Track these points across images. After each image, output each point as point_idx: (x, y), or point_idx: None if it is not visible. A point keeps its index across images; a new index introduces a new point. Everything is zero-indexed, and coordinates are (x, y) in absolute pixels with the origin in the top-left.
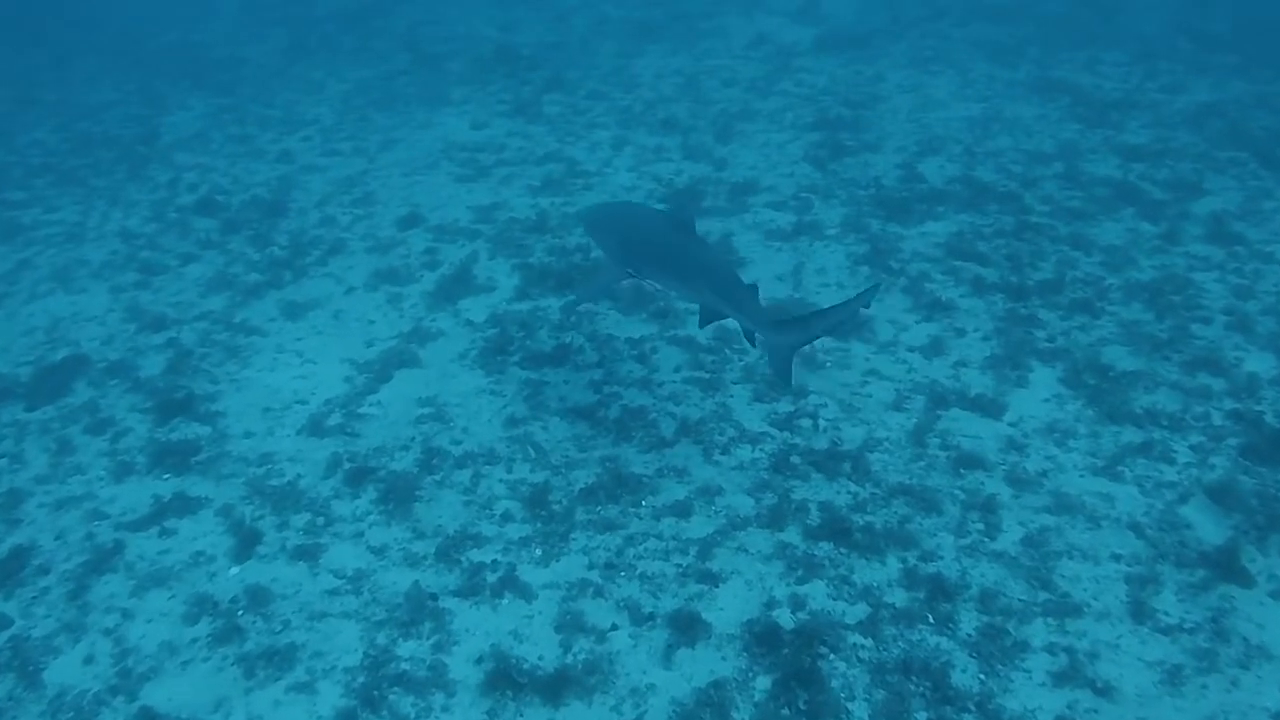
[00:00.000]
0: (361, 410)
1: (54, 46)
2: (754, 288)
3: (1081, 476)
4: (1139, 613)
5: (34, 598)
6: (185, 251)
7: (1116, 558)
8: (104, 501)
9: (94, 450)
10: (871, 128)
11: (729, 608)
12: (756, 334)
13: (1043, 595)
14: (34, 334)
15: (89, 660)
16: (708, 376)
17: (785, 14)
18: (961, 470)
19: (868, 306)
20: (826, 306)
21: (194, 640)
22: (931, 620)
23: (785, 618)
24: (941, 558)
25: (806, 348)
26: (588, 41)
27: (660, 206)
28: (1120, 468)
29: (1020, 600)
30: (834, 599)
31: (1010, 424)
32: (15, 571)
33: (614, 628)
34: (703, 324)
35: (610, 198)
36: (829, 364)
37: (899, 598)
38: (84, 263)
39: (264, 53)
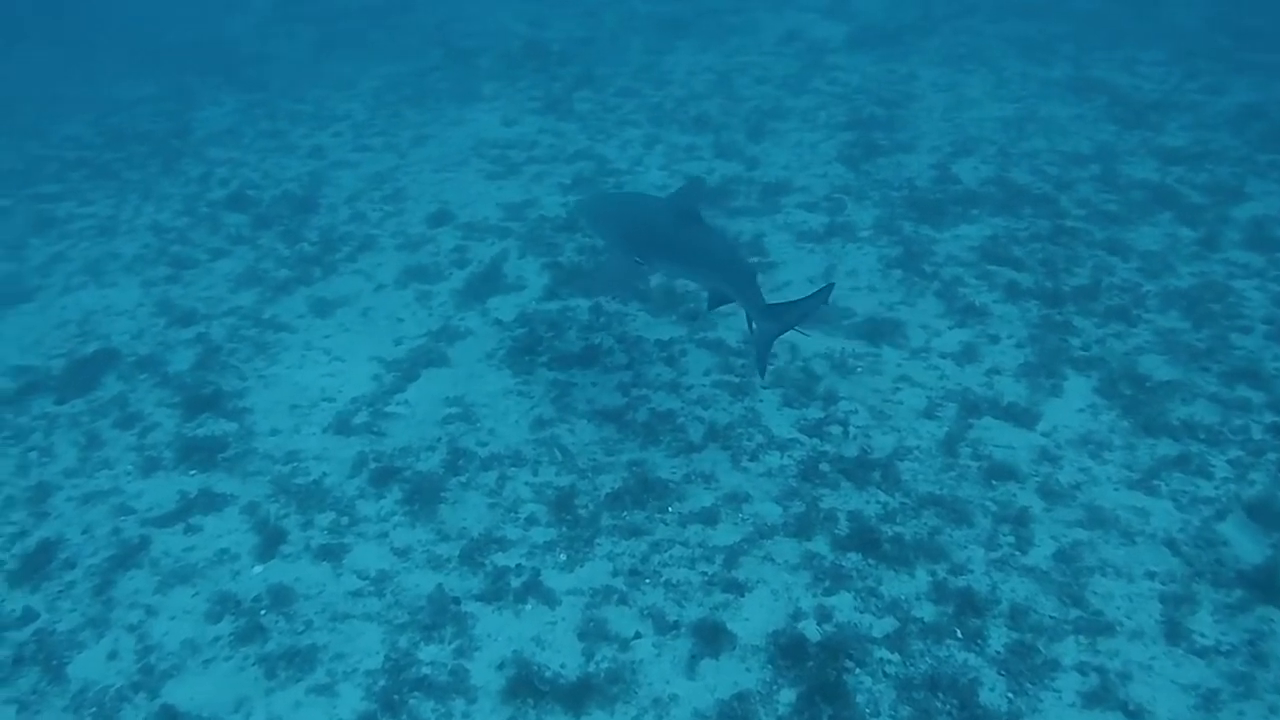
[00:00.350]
0: (389, 409)
1: (84, 42)
2: (754, 273)
3: (1116, 490)
4: (1174, 633)
5: (60, 592)
6: (216, 246)
7: (1151, 575)
8: (131, 496)
9: (122, 445)
10: (905, 127)
11: (754, 618)
12: (751, 319)
13: (1074, 612)
14: (66, 327)
15: (113, 656)
16: (737, 380)
17: (817, 10)
18: (993, 481)
19: (825, 303)
20: (797, 299)
21: (216, 639)
22: (960, 635)
23: (811, 629)
24: (971, 571)
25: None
26: (618, 37)
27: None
28: (1156, 482)
29: (1051, 617)
30: (861, 611)
31: (1043, 434)
32: (42, 565)
33: (638, 636)
34: (711, 308)
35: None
36: (860, 369)
37: (927, 612)
38: (116, 256)
39: (293, 48)
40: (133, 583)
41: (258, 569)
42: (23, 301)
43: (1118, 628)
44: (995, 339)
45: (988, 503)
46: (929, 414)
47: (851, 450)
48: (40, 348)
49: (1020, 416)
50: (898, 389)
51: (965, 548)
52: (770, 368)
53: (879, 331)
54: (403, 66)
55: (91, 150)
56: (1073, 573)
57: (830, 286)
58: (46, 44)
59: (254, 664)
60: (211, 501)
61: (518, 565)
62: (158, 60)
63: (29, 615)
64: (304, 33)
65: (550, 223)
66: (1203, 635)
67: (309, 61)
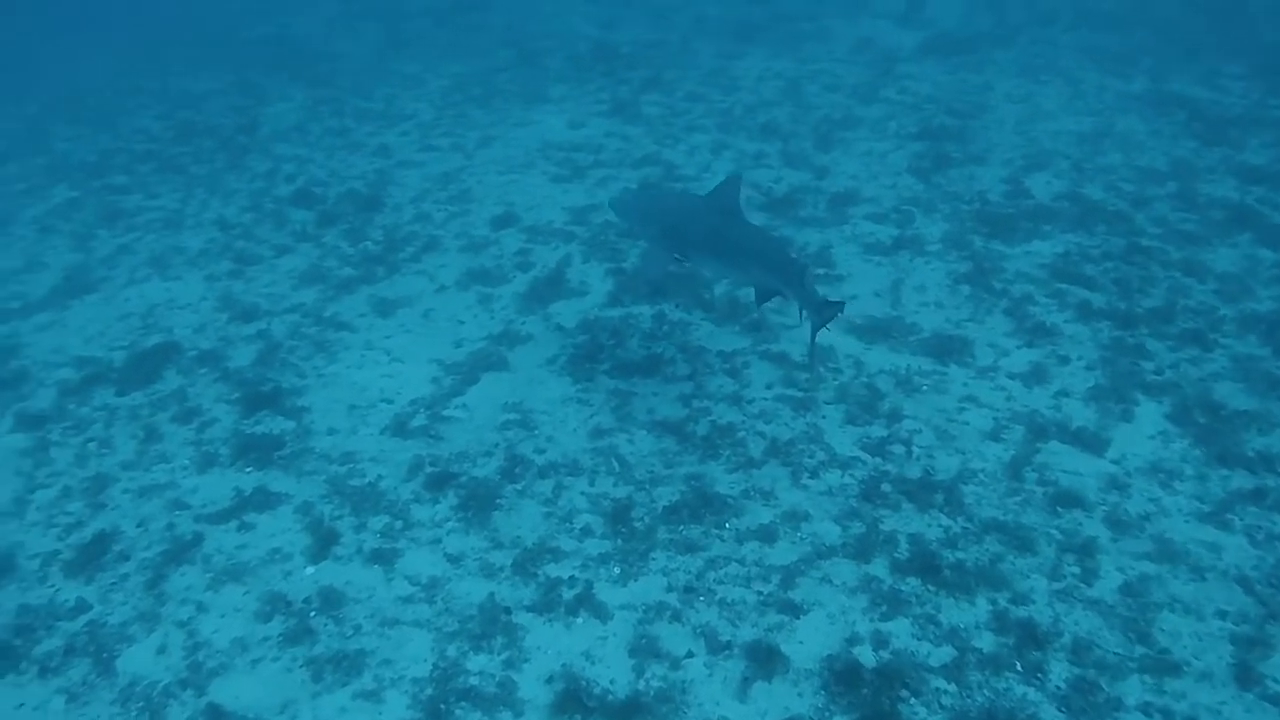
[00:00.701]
0: (447, 413)
1: (157, 36)
2: (805, 266)
3: (1186, 522)
4: (1245, 677)
5: (113, 584)
6: (280, 243)
7: (1222, 614)
8: (186, 492)
9: (180, 439)
10: (977, 139)
11: (809, 641)
12: (804, 309)
13: (1140, 650)
14: (129, 319)
15: (161, 651)
16: (800, 395)
17: (890, 17)
18: (1059, 508)
19: (841, 313)
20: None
21: (265, 639)
22: (1020, 668)
23: (867, 655)
24: (1034, 602)
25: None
26: (688, 41)
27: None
28: (1229, 515)
29: (1115, 653)
30: (919, 639)
31: (1113, 461)
32: (97, 556)
33: (689, 655)
34: (759, 302)
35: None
36: (926, 388)
37: (987, 642)
38: (181, 250)
39: (362, 46)
40: (185, 579)
41: (309, 570)
42: (88, 292)
43: (1185, 668)
44: (1065, 360)
45: (1053, 531)
46: (995, 436)
47: (914, 471)
48: (103, 339)
49: (1089, 442)
50: (963, 409)
51: (1028, 577)
52: (835, 383)
53: (946, 349)
54: (471, 66)
55: (160, 143)
56: (1139, 608)
57: (843, 303)
58: (124, 37)
59: (301, 666)
60: (266, 500)
61: (571, 577)
62: (228, 55)
63: (82, 606)
64: (373, 31)
65: (615, 228)
66: (1276, 681)
67: (377, 59)
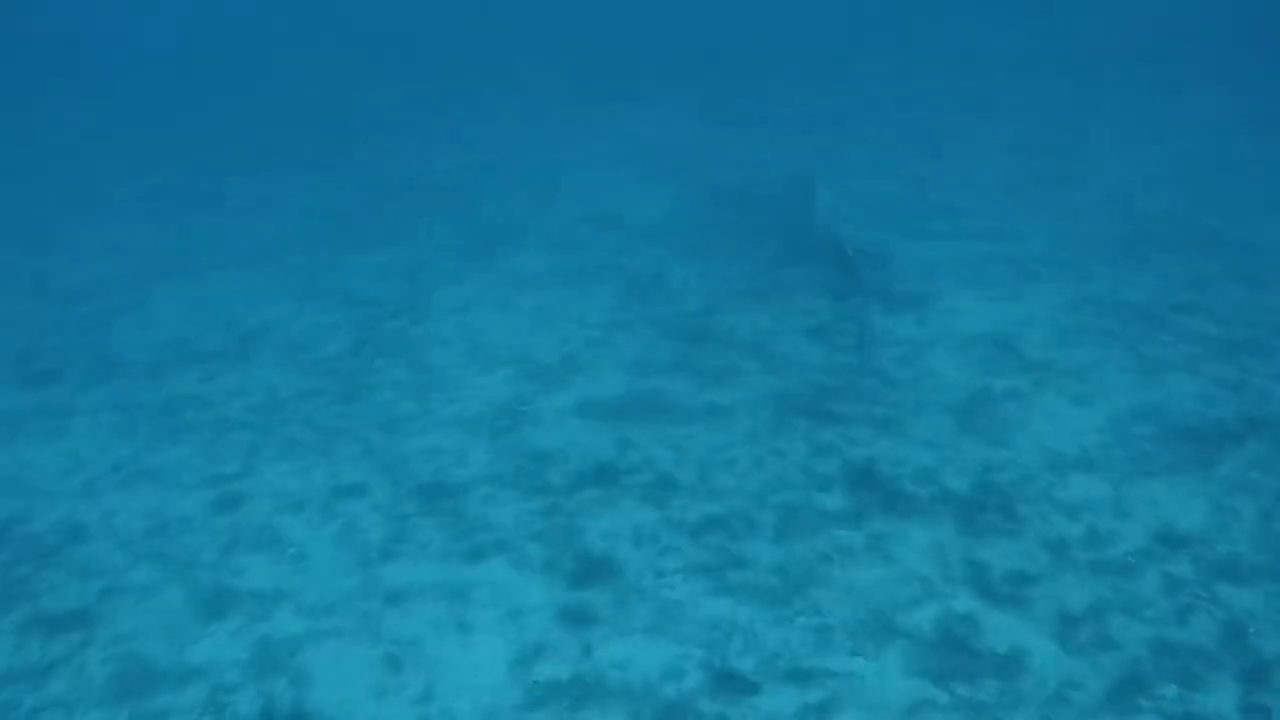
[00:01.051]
0: (533, 415)
1: (257, 21)
2: (860, 255)
3: None
4: None
5: (186, 567)
6: (373, 234)
7: None
8: (264, 480)
9: (262, 427)
10: (1085, 158)
11: (889, 677)
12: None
13: None
14: (217, 304)
15: (230, 641)
16: (893, 415)
17: (999, 26)
18: (1162, 549)
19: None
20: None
21: (334, 634)
22: None
23: (942, 699)
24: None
25: None
26: (788, 46)
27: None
28: None
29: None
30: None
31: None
32: (174, 538)
33: (764, 682)
34: (835, 301)
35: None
36: (1027, 417)
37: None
38: (275, 236)
39: (463, 40)
40: (258, 567)
41: (383, 567)
42: (177, 276)
43: None
44: (1174, 395)
45: (1153, 573)
46: (1094, 468)
47: (1009, 501)
48: (190, 324)
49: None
50: (1066, 440)
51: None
52: (933, 405)
53: (1049, 373)
54: (569, 64)
55: (257, 128)
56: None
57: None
58: (224, 22)
59: (367, 668)
60: (344, 493)
61: (651, 591)
62: (330, 43)
63: (154, 588)
64: (473, 26)
65: (708, 230)
66: None
67: (477, 54)
